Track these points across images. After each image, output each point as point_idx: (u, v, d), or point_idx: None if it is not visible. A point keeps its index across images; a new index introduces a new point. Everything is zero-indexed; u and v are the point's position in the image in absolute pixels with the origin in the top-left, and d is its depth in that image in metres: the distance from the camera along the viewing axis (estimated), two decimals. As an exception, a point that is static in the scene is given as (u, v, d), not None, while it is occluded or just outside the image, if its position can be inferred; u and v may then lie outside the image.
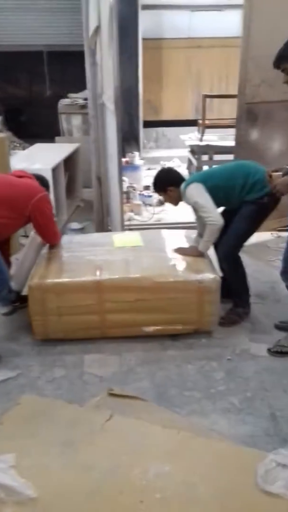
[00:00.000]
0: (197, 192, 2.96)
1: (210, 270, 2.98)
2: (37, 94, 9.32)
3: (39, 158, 4.94)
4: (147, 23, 7.43)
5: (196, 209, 3.04)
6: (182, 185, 3.07)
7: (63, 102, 6.62)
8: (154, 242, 3.40)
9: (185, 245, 3.31)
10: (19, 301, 3.19)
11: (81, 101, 6.42)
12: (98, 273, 2.91)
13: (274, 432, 2.29)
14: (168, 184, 3.15)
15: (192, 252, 3.13)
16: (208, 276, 2.92)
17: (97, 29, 3.86)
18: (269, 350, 2.88)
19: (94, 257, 3.13)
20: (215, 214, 2.93)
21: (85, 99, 6.21)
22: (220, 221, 2.91)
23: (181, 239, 3.42)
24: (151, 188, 5.20)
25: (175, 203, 3.25)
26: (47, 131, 7.63)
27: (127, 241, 3.38)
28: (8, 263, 3.27)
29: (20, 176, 3.18)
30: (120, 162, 3.67)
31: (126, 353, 2.87)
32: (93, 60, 4.16)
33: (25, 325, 3.12)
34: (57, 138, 6.56)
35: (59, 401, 2.48)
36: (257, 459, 1.98)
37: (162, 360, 2.81)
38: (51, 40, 8.13)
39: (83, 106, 6.30)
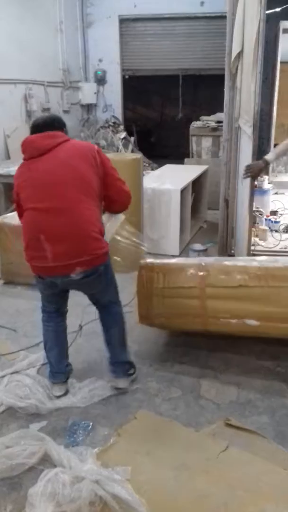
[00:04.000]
0: None
1: None
2: (168, 116, 9.65)
3: (169, 179, 5.07)
4: (286, 46, 7.30)
5: None
6: None
7: (195, 124, 6.75)
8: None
9: None
10: None
11: (212, 124, 6.49)
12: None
13: None
14: None
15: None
16: None
17: (240, 54, 3.88)
18: None
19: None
20: None
21: (218, 122, 6.28)
22: None
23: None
24: (279, 213, 5.03)
25: None
26: (175, 152, 7.85)
27: None
28: None
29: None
30: (252, 186, 3.62)
31: (245, 384, 2.78)
32: (232, 84, 4.18)
33: (146, 341, 3.20)
34: (186, 159, 6.70)
35: (175, 422, 2.47)
36: None
37: (284, 397, 2.66)
38: (187, 64, 8.37)
39: (214, 129, 6.36)
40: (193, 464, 2.20)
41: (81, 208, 2.35)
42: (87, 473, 2.07)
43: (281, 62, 7.14)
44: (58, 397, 2.66)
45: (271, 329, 2.72)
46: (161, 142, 10.01)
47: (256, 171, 3.51)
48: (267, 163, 3.59)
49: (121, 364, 2.74)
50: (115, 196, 2.59)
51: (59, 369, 2.71)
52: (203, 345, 3.17)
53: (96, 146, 2.53)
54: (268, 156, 3.56)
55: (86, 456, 2.20)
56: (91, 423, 2.46)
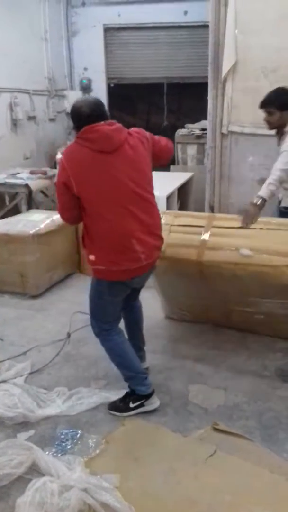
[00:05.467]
0: None
1: None
2: (154, 124, 9.70)
3: (155, 186, 5.08)
4: None
5: None
6: None
7: (180, 132, 6.80)
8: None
9: None
10: None
11: (197, 132, 6.55)
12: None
13: None
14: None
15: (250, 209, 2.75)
16: None
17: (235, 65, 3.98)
18: None
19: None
20: None
21: (202, 129, 6.34)
22: None
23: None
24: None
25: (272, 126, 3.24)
26: (161, 159, 7.88)
27: None
28: None
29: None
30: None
31: (232, 388, 2.80)
32: (215, 92, 4.24)
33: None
34: (171, 166, 6.74)
35: (163, 428, 2.48)
36: None
37: (270, 400, 2.69)
38: (171, 72, 8.46)
39: (199, 136, 6.42)
40: (181, 469, 2.21)
41: (153, 206, 2.49)
42: (76, 482, 2.07)
43: None
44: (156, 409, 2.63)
45: (264, 260, 2.82)
46: (147, 149, 10.06)
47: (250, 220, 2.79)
48: (264, 203, 2.78)
49: (140, 349, 2.84)
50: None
51: (145, 376, 2.64)
52: (191, 352, 3.19)
53: (147, 133, 2.49)
54: (263, 193, 2.77)
55: (74, 464, 2.20)
56: (79, 431, 2.45)
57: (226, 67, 4.13)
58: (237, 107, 4.23)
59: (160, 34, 8.19)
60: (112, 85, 8.69)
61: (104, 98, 8.61)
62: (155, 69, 8.42)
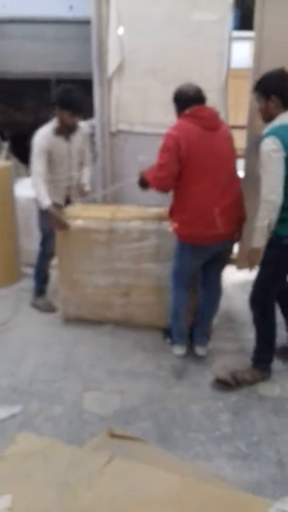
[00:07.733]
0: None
1: None
2: (44, 120, 9.45)
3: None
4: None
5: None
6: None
7: (70, 129, 6.62)
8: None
9: None
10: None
11: (86, 129, 6.43)
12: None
13: (281, 479, 2.20)
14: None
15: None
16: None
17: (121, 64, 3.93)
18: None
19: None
20: None
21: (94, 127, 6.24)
22: None
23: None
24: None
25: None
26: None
27: None
28: None
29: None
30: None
31: (128, 391, 2.77)
32: (102, 90, 4.18)
33: (23, 359, 3.05)
34: (62, 165, 6.57)
35: (57, 441, 2.36)
36: (263, 508, 1.87)
37: (166, 399, 2.70)
38: (59, 68, 8.26)
39: (91, 135, 6.31)
40: (76, 482, 2.12)
41: (238, 183, 2.81)
42: None
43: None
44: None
45: None
46: (39, 147, 9.73)
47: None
48: None
49: (206, 335, 3.08)
50: None
51: (183, 336, 3.01)
52: (86, 357, 3.11)
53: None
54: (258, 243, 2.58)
55: None
56: None
57: (112, 66, 4.08)
58: (125, 106, 4.21)
59: (47, 28, 7.96)
60: (-5, 79, 8.26)
61: (-13, 93, 8.17)
62: (42, 64, 8.17)
